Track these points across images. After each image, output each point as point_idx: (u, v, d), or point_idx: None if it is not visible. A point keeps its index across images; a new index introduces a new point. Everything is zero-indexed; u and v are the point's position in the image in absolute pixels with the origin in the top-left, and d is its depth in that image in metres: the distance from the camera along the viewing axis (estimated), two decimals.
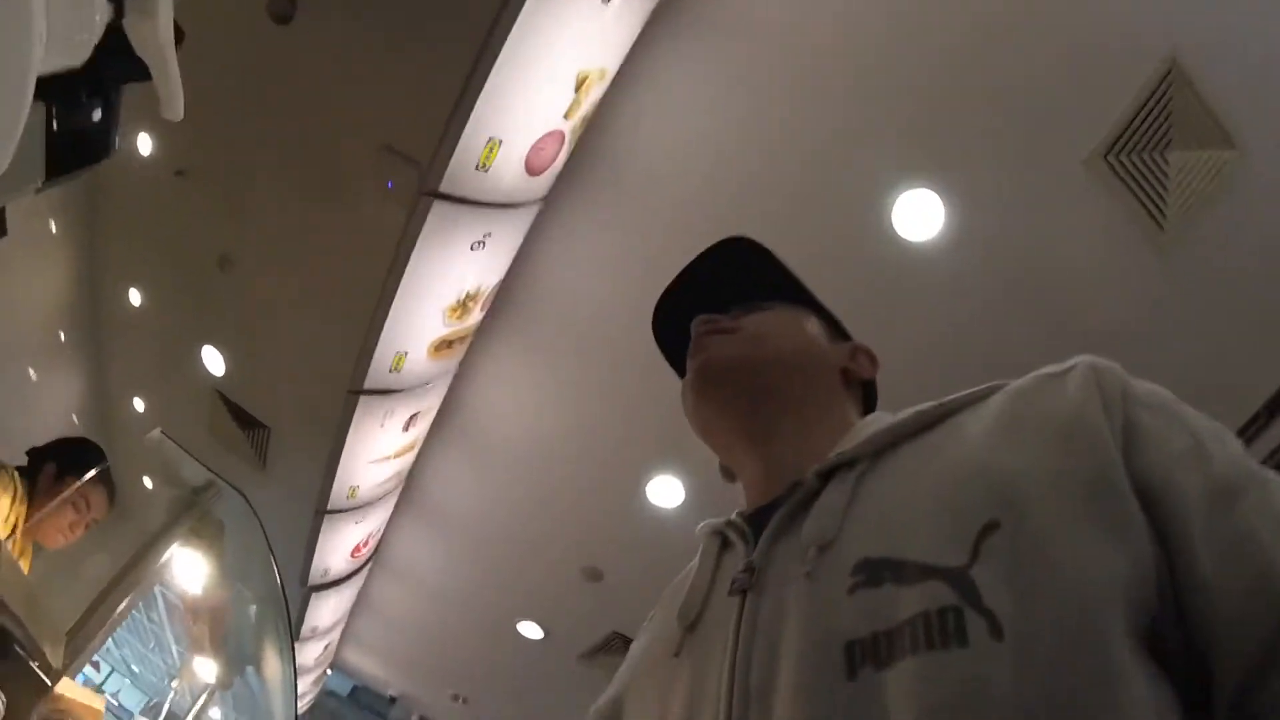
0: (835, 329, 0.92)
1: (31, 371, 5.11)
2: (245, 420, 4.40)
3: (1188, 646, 0.48)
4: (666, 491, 3.98)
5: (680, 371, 0.92)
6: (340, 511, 4.19)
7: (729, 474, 0.87)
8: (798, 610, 0.57)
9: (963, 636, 0.47)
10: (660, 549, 4.19)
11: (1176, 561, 0.49)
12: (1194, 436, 0.54)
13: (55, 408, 5.63)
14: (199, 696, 4.72)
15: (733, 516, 0.75)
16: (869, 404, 0.89)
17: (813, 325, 0.88)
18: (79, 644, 2.96)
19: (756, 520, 0.69)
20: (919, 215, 2.87)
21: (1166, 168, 2.59)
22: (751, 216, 3.00)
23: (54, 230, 4.49)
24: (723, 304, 0.90)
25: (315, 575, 4.64)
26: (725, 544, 0.72)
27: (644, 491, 4.00)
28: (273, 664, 4.49)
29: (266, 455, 4.45)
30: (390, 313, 3.20)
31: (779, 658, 0.56)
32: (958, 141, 2.72)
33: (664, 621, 0.75)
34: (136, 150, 3.97)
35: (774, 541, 0.65)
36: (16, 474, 2.30)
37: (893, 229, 2.90)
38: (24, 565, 2.38)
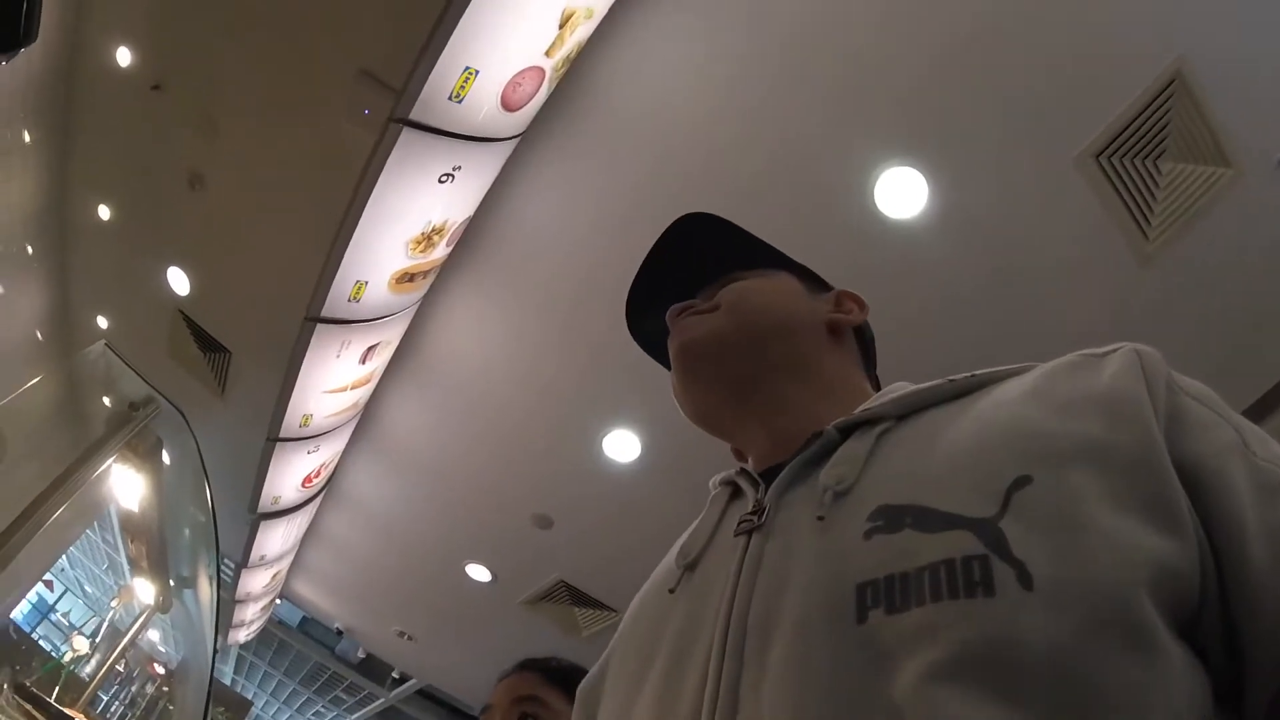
0: (815, 282, 0.89)
1: None
2: (207, 342, 4.38)
3: (1226, 642, 0.46)
4: (623, 446, 4.01)
5: (666, 364, 0.91)
6: (293, 440, 4.18)
7: (742, 456, 0.83)
8: (807, 552, 0.56)
9: (989, 585, 0.45)
10: (612, 502, 4.24)
11: (1225, 555, 0.47)
12: (1238, 431, 0.53)
13: (19, 321, 5.59)
14: (138, 617, 4.73)
15: (745, 467, 0.74)
16: (868, 352, 0.88)
17: (788, 282, 0.86)
18: (7, 554, 2.95)
19: (771, 475, 0.66)
20: (902, 192, 2.86)
21: (1159, 177, 2.59)
22: (730, 177, 3.00)
23: (26, 140, 4.43)
24: (695, 286, 0.88)
25: (265, 503, 4.63)
26: (735, 494, 0.70)
27: (600, 443, 4.02)
28: (204, 588, 4.49)
29: (226, 379, 4.44)
30: (351, 240, 3.15)
31: (783, 596, 0.54)
32: (949, 122, 2.70)
33: (663, 569, 0.74)
34: (115, 63, 3.91)
35: (787, 487, 0.63)
36: None
37: (874, 203, 2.89)
38: None
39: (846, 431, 0.64)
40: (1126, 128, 2.52)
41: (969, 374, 0.65)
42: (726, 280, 0.85)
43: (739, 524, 0.63)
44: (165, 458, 3.95)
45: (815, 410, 0.72)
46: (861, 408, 0.66)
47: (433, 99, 2.77)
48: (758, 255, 0.89)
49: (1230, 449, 0.51)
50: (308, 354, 3.60)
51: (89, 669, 4.61)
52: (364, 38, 3.05)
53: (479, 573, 5.24)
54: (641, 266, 0.93)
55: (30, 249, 5.19)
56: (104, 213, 4.73)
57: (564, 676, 1.41)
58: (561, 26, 2.74)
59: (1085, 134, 2.57)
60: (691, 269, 0.89)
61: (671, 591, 0.66)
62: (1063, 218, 2.76)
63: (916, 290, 3.03)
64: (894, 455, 0.59)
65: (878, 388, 0.84)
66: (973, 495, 0.50)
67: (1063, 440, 0.51)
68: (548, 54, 2.81)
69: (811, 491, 0.60)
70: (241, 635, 7.20)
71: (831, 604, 0.50)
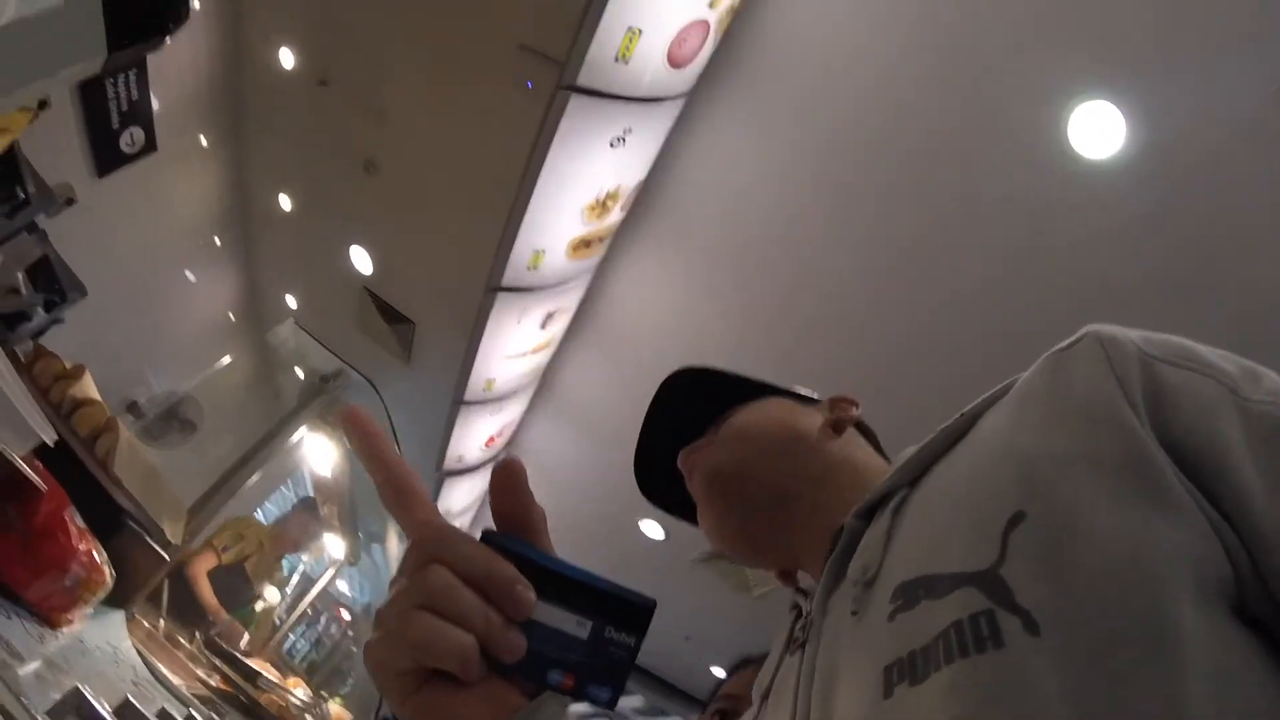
0: (805, 399, 0.96)
1: (189, 274, 5.46)
2: (392, 315, 4.63)
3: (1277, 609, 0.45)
4: None
5: (685, 517, 1.01)
6: (476, 403, 4.40)
7: (788, 577, 0.90)
8: (848, 649, 0.58)
9: (997, 638, 0.45)
10: None
11: (1239, 524, 0.46)
12: (1223, 380, 0.51)
13: (214, 306, 6.02)
14: (327, 569, 5.11)
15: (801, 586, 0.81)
16: (876, 446, 0.93)
17: (779, 403, 0.94)
18: (202, 520, 3.23)
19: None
20: (1098, 129, 2.60)
21: None
22: (914, 127, 2.84)
23: (204, 144, 4.73)
24: (694, 435, 0.96)
25: (450, 461, 4.92)
26: (800, 614, 0.74)
27: None
28: (393, 543, 4.80)
29: (412, 348, 4.69)
30: (527, 211, 3.24)
31: (834, 700, 0.56)
32: (1146, 51, 2.44)
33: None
34: (279, 64, 4.13)
35: (829, 591, 0.67)
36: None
37: (1068, 141, 2.66)
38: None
39: (868, 514, 0.66)
40: None
41: (959, 414, 0.65)
42: (724, 419, 0.93)
43: (790, 641, 0.69)
44: None
45: (844, 500, 0.74)
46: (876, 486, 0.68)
47: (599, 62, 2.78)
48: (748, 390, 0.97)
49: (1218, 406, 0.50)
50: (489, 322, 3.76)
51: (278, 615, 4.99)
52: (522, 9, 3.07)
53: (653, 530, 5.36)
54: (641, 430, 1.03)
55: (218, 240, 5.58)
56: (285, 203, 5.04)
57: None
58: None
59: None
60: (689, 421, 0.97)
61: None
62: (1263, 161, 2.47)
63: (1106, 234, 2.78)
64: (909, 528, 0.60)
65: None
66: (973, 546, 0.51)
67: (1047, 462, 0.51)
68: (711, 5, 2.74)
69: (847, 587, 0.62)
70: None
71: (865, 692, 0.52)
